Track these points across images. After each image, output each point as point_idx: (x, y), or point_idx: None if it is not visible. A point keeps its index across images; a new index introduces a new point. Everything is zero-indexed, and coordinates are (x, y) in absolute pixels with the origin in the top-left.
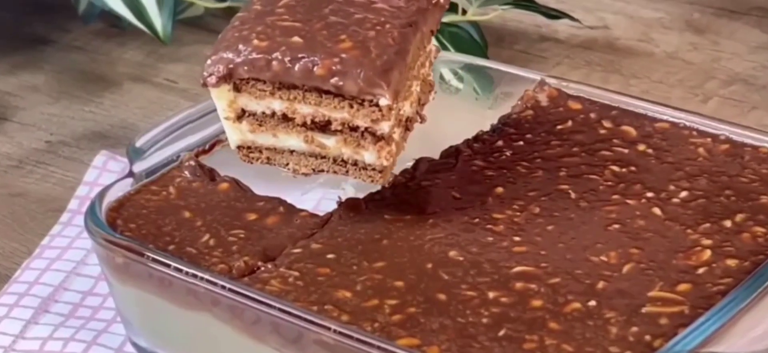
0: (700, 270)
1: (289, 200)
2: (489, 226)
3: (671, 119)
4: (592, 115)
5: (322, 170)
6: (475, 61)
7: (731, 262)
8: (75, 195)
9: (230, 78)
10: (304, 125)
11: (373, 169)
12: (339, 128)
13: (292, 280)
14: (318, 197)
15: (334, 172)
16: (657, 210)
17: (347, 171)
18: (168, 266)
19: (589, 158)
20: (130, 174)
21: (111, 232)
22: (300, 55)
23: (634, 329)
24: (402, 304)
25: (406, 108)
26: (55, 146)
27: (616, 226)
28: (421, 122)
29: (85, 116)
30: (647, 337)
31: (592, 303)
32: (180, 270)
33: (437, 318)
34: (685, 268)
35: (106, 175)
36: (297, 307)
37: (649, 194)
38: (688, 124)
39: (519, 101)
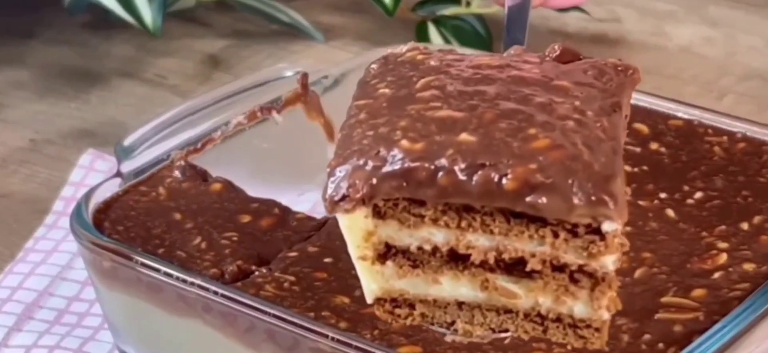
0: (716, 275)
1: (284, 202)
2: None
3: (685, 117)
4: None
5: (507, 330)
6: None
7: (748, 266)
8: (60, 196)
9: (371, 199)
10: (482, 265)
11: (588, 326)
12: (537, 267)
13: (287, 285)
14: (315, 199)
15: (525, 332)
16: (670, 212)
17: (546, 330)
18: (157, 270)
19: None
20: (118, 174)
21: (98, 234)
22: (479, 162)
23: (647, 336)
24: None
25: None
26: (39, 144)
27: (628, 228)
28: (626, 246)
29: (71, 113)
30: (660, 345)
31: None
32: (170, 275)
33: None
34: (699, 272)
35: (92, 175)
36: (293, 314)
37: (662, 195)
38: (702, 121)
39: None
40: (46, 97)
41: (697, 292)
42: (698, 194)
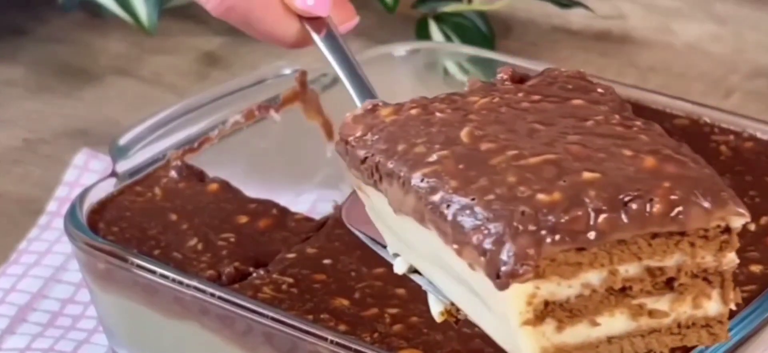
0: None
1: (282, 203)
2: None
3: (691, 115)
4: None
5: (652, 351)
6: (481, 54)
7: (755, 268)
8: (54, 196)
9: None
10: (637, 293)
11: (717, 321)
12: (683, 280)
13: (285, 287)
14: (313, 199)
15: (666, 347)
16: None
17: (683, 338)
18: (153, 272)
19: None
20: (113, 174)
21: (92, 235)
22: (623, 197)
23: None
24: (403, 313)
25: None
26: (33, 143)
27: None
28: None
29: (65, 112)
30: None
31: None
32: (166, 277)
33: (441, 328)
34: None
35: (87, 175)
36: (291, 316)
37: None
38: (709, 120)
39: None
40: (39, 95)
41: None
42: None
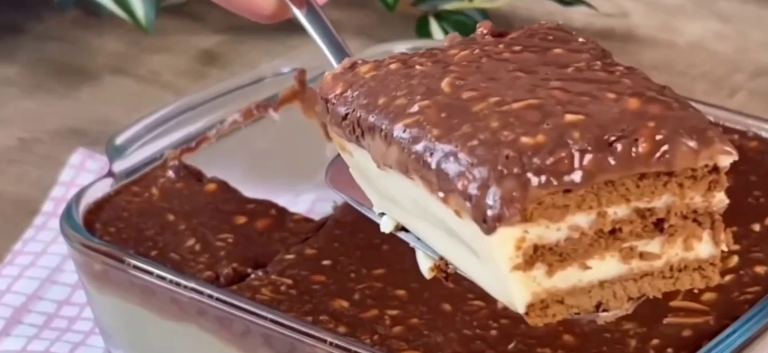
0: (727, 278)
1: (281, 203)
2: None
3: None
4: None
5: (644, 295)
6: None
7: (760, 269)
8: (50, 196)
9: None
10: (628, 235)
11: (709, 263)
12: (672, 220)
13: (284, 288)
14: (312, 199)
15: (659, 290)
16: None
17: (676, 281)
18: (150, 273)
19: None
20: (110, 174)
21: (89, 236)
22: (607, 137)
23: (655, 342)
24: (404, 315)
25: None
26: (28, 143)
27: None
28: None
29: (62, 111)
30: (669, 350)
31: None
32: (163, 278)
33: (442, 329)
34: None
35: (83, 175)
36: (290, 318)
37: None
38: (713, 119)
39: None
40: (35, 94)
41: (707, 296)
42: None
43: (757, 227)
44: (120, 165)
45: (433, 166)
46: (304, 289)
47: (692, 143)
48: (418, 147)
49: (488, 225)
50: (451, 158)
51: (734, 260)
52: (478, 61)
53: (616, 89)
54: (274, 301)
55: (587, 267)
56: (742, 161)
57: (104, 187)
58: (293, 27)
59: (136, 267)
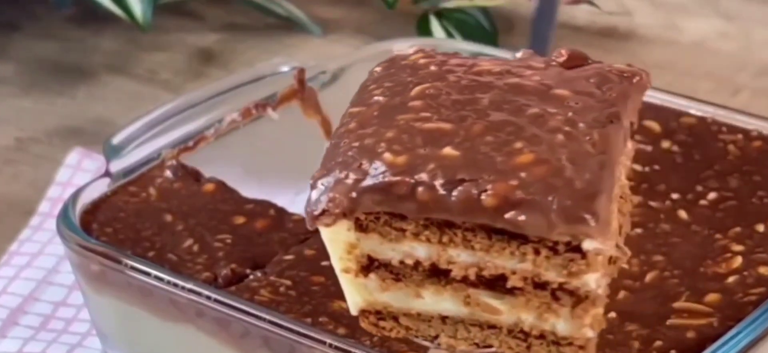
0: (730, 279)
1: (280, 203)
2: None
3: (698, 114)
4: None
5: (491, 346)
6: (483, 50)
7: (764, 270)
8: (46, 196)
9: (352, 213)
10: (464, 280)
11: (571, 343)
12: (518, 284)
13: (283, 289)
14: None
15: (509, 348)
16: (683, 213)
17: (529, 346)
18: (148, 274)
19: None
20: (107, 174)
21: (86, 237)
22: (459, 177)
23: (658, 343)
24: None
25: (611, 244)
26: (25, 142)
27: (638, 230)
28: (624, 259)
29: (58, 111)
30: (672, 352)
31: (612, 315)
32: (161, 279)
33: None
34: (713, 276)
35: (80, 174)
36: (289, 319)
37: (675, 196)
38: (716, 119)
39: None
40: (31, 93)
41: (711, 297)
42: (712, 195)
43: (761, 227)
44: (117, 165)
45: (326, 151)
46: (304, 290)
47: (552, 215)
48: (337, 131)
49: (307, 220)
50: (334, 151)
51: (738, 261)
52: (475, 81)
53: (535, 141)
54: (273, 302)
55: (420, 296)
56: (745, 161)
57: (101, 187)
58: (291, 26)
59: (133, 268)
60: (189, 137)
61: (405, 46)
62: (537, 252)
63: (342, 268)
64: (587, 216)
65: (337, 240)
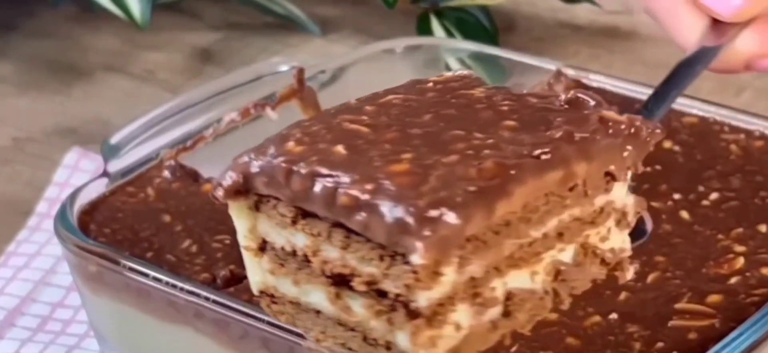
0: (733, 280)
1: None
2: None
3: (700, 113)
4: (614, 108)
5: (351, 350)
6: (484, 50)
7: (767, 271)
8: (44, 197)
9: (247, 192)
10: (329, 274)
11: None
12: (361, 288)
13: None
14: None
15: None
16: (685, 213)
17: None
18: (146, 275)
19: None
20: (105, 174)
21: (83, 237)
22: (326, 172)
23: (660, 344)
24: None
25: (499, 285)
26: (21, 142)
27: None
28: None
29: (55, 110)
30: None
31: (614, 316)
32: (159, 280)
33: None
34: (715, 277)
35: (78, 174)
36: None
37: (676, 196)
38: (719, 118)
39: None
40: (28, 92)
41: (713, 298)
42: (714, 195)
43: (763, 228)
44: (115, 165)
45: None
46: None
47: (387, 221)
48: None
49: (213, 192)
50: (269, 138)
51: (740, 262)
52: (419, 98)
53: (424, 156)
54: None
55: (298, 284)
56: (748, 161)
57: (99, 187)
58: (290, 25)
59: (131, 269)
60: (187, 137)
61: (404, 46)
62: (381, 258)
63: (244, 245)
64: (414, 227)
65: (241, 218)
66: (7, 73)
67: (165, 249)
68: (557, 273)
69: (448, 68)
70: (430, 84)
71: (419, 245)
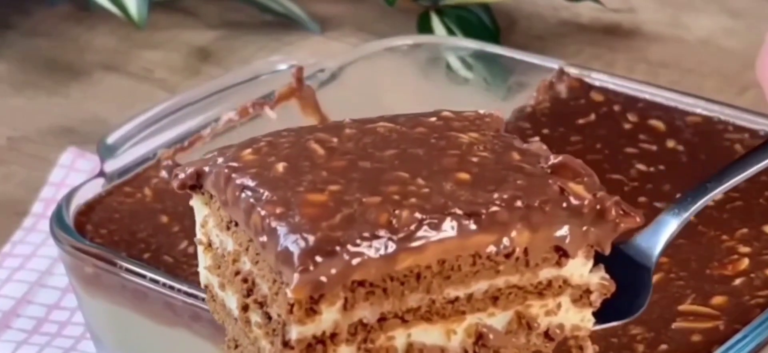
0: (737, 281)
1: None
2: None
3: (704, 113)
4: (616, 108)
5: None
6: (485, 48)
7: None
8: (39, 197)
9: (200, 188)
10: (241, 281)
11: None
12: (252, 305)
13: None
14: None
15: None
16: None
17: None
18: (143, 276)
19: (612, 155)
20: (101, 174)
21: (79, 238)
22: (253, 186)
23: (663, 347)
24: None
25: (400, 336)
26: (17, 142)
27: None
28: None
29: (51, 109)
30: None
31: None
32: (156, 281)
33: None
34: (719, 278)
35: (74, 174)
36: None
37: (680, 196)
38: (723, 118)
39: (535, 92)
40: (24, 91)
41: (717, 299)
42: (718, 196)
43: (767, 228)
44: (112, 165)
45: None
46: None
47: (277, 249)
48: None
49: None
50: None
51: (745, 263)
52: (372, 132)
53: (346, 191)
54: None
55: (223, 287)
56: None
57: (95, 187)
58: (289, 23)
59: (128, 270)
60: (185, 136)
61: (405, 45)
62: (274, 282)
63: (196, 238)
64: (296, 261)
65: (198, 212)
66: (2, 72)
67: (162, 250)
68: (479, 336)
69: (450, 67)
70: (438, 118)
71: (295, 277)
